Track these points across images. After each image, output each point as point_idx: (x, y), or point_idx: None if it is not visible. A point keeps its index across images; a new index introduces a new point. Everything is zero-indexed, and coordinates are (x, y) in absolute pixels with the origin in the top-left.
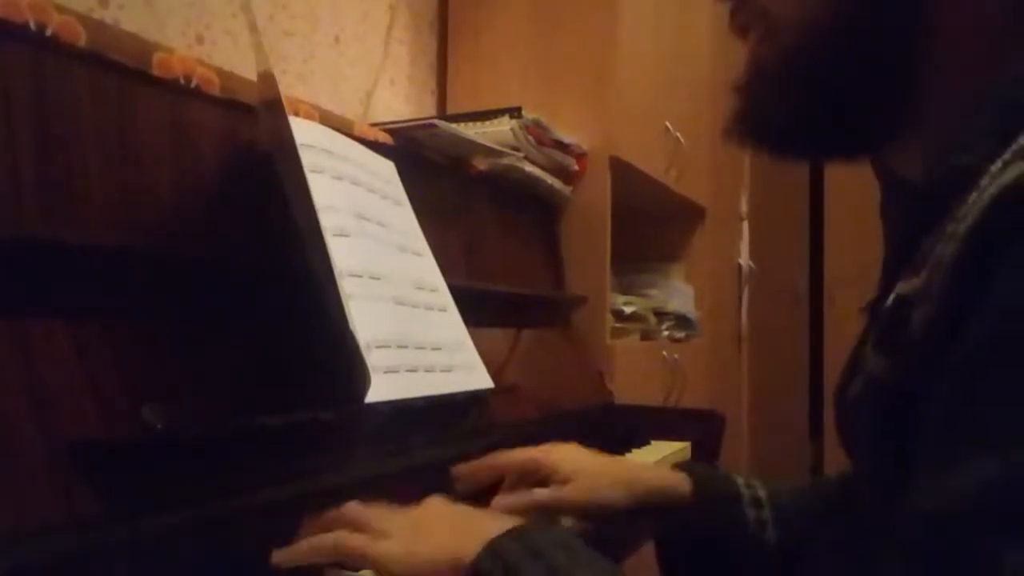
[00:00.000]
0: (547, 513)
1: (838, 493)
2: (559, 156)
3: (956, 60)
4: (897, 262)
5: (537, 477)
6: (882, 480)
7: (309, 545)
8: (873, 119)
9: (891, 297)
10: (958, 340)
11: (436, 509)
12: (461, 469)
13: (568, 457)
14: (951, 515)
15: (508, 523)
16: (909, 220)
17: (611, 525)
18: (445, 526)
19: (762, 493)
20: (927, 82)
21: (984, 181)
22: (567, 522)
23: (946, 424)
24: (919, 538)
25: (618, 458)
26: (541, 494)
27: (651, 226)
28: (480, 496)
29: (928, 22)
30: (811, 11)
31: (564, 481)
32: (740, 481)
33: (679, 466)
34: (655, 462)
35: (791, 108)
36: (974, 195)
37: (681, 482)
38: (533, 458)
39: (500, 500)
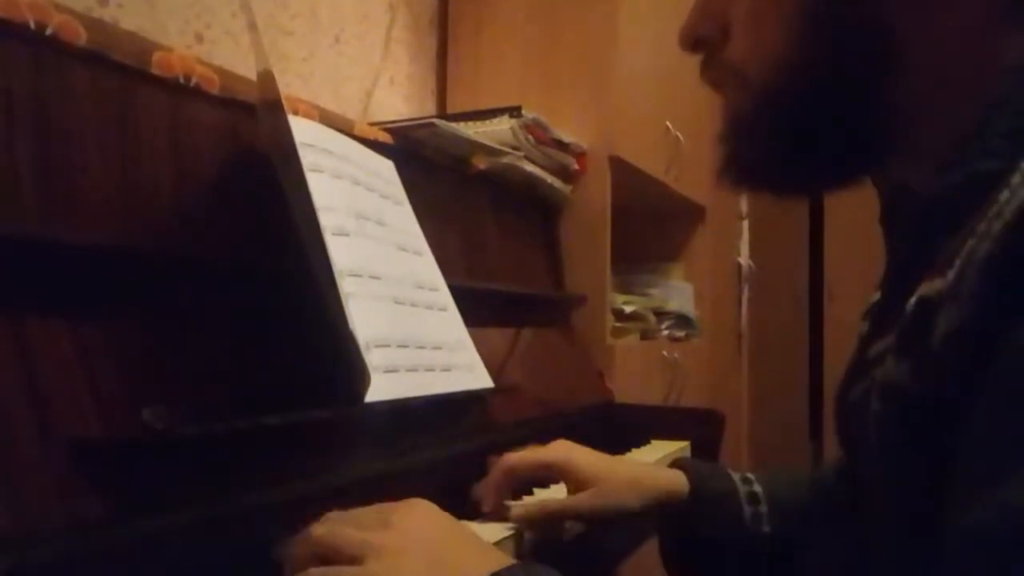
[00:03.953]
0: (560, 521)
1: (835, 488)
2: (559, 155)
3: (941, 67)
4: (908, 267)
5: (549, 477)
6: (898, 485)
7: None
8: (858, 149)
9: (912, 300)
10: (1000, 343)
11: (417, 528)
12: (485, 494)
13: (586, 459)
14: (1005, 530)
15: (490, 560)
16: (922, 224)
17: (614, 526)
18: (423, 557)
19: (758, 488)
20: (914, 95)
21: (1016, 179)
22: (568, 525)
23: (995, 436)
24: (970, 554)
25: (623, 458)
26: (563, 503)
27: (651, 225)
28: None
29: (901, 43)
30: (781, 61)
31: (583, 485)
32: (736, 476)
33: (676, 463)
34: (655, 461)
35: (774, 153)
36: (1005, 193)
37: (681, 480)
38: (551, 460)
39: (519, 510)
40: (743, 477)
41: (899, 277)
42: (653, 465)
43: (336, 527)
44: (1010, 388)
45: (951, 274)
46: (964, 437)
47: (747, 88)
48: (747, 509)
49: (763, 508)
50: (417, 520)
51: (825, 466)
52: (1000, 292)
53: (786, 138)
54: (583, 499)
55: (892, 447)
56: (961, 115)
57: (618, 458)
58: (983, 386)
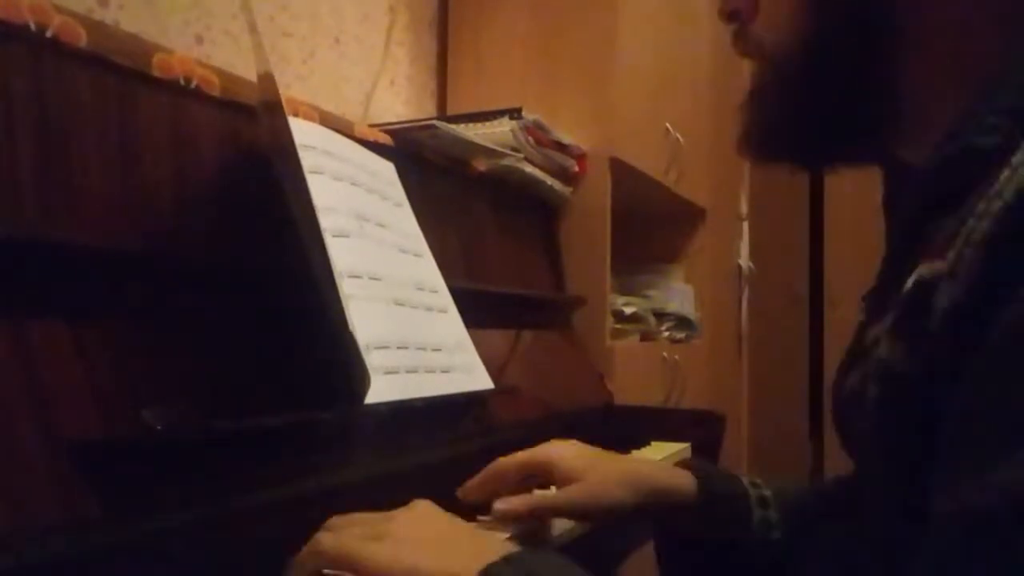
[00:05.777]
0: (547, 518)
1: (838, 493)
2: (559, 157)
3: (949, 44)
4: (908, 248)
5: (540, 479)
6: (895, 471)
7: (306, 554)
8: (868, 122)
9: (910, 281)
10: (994, 322)
11: (425, 517)
12: (467, 488)
13: (571, 455)
14: (995, 511)
15: (501, 546)
16: (921, 203)
17: (612, 525)
18: (435, 540)
19: (767, 492)
20: (923, 70)
21: (1017, 158)
22: (567, 524)
23: (985, 415)
24: (958, 537)
25: (621, 455)
26: (545, 497)
27: (651, 227)
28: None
29: (910, 18)
30: (794, 34)
31: (568, 481)
32: (745, 480)
33: (683, 463)
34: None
35: (786, 122)
36: (1005, 172)
37: (686, 480)
38: (536, 459)
39: (502, 504)
40: (751, 481)
41: (895, 259)
42: (654, 462)
43: (341, 533)
44: (1003, 367)
45: (950, 255)
46: (954, 415)
47: (766, 60)
48: (757, 513)
49: (773, 514)
50: (425, 511)
51: (829, 478)
52: (998, 270)
53: (797, 108)
54: (569, 493)
55: (889, 432)
56: (966, 92)
57: (611, 454)
58: (976, 364)
